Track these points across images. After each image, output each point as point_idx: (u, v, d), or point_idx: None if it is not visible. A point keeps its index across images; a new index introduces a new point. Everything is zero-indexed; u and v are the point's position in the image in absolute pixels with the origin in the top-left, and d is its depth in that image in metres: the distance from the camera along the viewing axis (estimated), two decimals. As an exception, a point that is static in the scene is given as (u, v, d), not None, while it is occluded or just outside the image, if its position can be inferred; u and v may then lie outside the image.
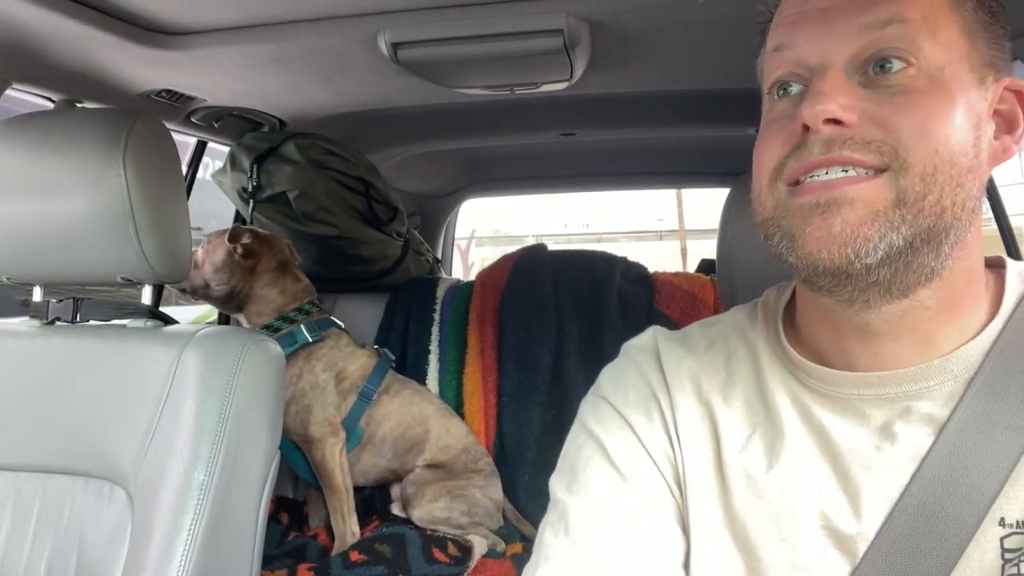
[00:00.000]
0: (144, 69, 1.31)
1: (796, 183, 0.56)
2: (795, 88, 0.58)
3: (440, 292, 2.07)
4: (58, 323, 1.11)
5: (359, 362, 1.72)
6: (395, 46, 1.22)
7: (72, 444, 1.00)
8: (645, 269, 2.09)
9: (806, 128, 0.54)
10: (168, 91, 1.45)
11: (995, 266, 0.62)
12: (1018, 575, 0.51)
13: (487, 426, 1.86)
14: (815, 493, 0.58)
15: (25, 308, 1.12)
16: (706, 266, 2.24)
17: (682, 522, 0.64)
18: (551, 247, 2.18)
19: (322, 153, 1.88)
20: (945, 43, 0.54)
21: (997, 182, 1.74)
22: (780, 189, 0.57)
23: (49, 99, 1.36)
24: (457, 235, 3.43)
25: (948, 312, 0.57)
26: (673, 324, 1.86)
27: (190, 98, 1.52)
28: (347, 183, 1.94)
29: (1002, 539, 0.52)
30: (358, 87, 1.55)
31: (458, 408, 1.87)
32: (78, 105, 1.37)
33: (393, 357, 1.84)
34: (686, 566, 0.63)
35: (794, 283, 0.68)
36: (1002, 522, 0.53)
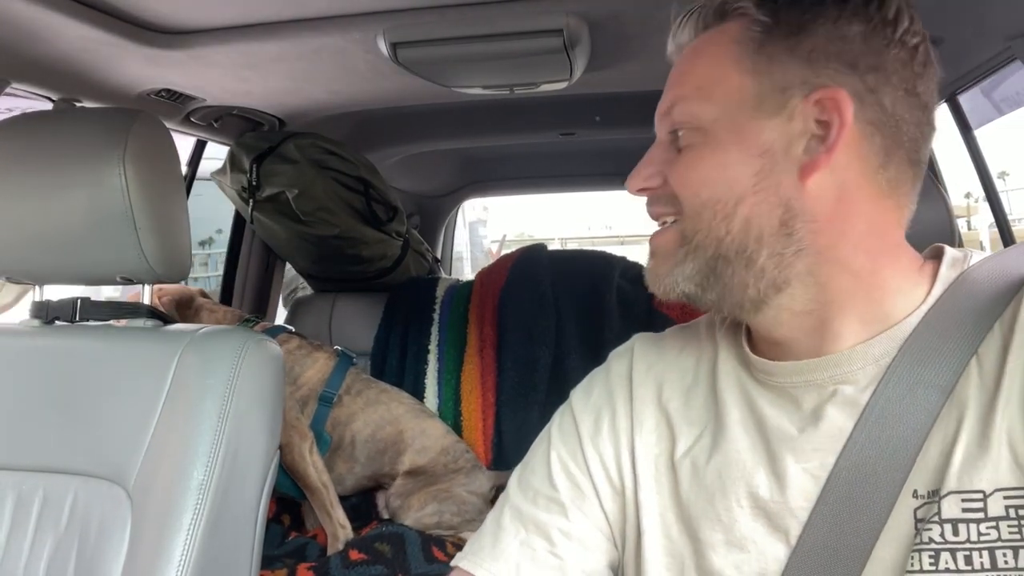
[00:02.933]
0: (143, 68, 1.31)
1: None
2: None
3: (440, 292, 2.07)
4: (57, 323, 1.11)
5: (315, 366, 1.69)
6: (395, 46, 1.22)
7: (72, 443, 0.99)
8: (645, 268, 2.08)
9: None
10: (167, 90, 1.45)
11: (936, 256, 0.65)
12: (922, 541, 0.54)
13: (485, 425, 1.86)
14: (745, 474, 0.63)
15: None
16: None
17: (612, 531, 0.72)
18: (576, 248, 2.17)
19: (321, 152, 1.88)
20: (720, 98, 0.61)
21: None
22: None
23: (48, 98, 1.36)
24: (490, 237, 3.44)
25: (844, 308, 0.61)
26: (673, 323, 1.86)
27: (190, 97, 1.52)
28: (346, 183, 1.94)
29: (915, 510, 0.56)
30: (358, 87, 1.55)
31: (456, 407, 1.87)
32: (77, 104, 1.37)
33: (354, 355, 1.80)
34: (638, 558, 0.69)
35: None
36: (915, 494, 0.56)
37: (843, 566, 0.56)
